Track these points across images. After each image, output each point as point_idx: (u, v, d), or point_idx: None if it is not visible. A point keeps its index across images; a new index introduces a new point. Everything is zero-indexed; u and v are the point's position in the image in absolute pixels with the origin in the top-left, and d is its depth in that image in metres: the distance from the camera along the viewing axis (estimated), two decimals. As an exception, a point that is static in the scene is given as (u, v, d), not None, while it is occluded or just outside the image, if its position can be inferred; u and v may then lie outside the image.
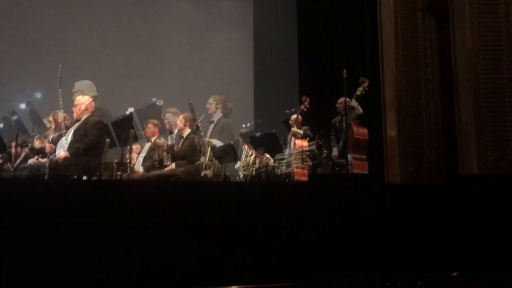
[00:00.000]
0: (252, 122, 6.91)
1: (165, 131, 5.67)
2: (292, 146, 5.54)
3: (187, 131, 5.48)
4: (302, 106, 5.65)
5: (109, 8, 8.86)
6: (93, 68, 8.52)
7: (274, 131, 5.86)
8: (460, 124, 4.79)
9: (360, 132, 4.88)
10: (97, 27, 8.76)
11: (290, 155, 5.84)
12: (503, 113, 4.53)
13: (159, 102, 5.17)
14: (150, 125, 5.70)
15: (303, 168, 5.27)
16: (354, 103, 5.13)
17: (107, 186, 3.26)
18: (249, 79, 8.98)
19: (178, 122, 5.50)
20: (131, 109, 5.37)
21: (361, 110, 5.13)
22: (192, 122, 5.52)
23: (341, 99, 5.24)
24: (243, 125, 6.42)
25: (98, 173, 4.74)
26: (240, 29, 9.58)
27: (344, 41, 6.77)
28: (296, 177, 5.26)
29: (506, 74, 4.56)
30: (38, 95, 5.61)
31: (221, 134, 5.11)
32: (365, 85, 5.16)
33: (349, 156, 4.84)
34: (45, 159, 4.73)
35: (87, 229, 2.54)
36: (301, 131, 5.44)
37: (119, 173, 4.98)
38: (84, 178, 4.58)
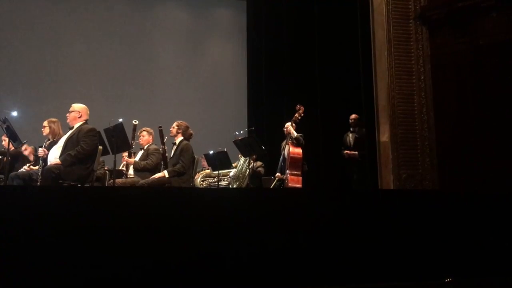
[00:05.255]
0: (246, 129, 6.89)
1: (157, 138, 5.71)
2: (286, 153, 5.54)
3: (180, 138, 5.49)
4: (296, 114, 5.67)
5: (99, 17, 8.86)
6: (86, 78, 8.51)
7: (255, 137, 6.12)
8: (379, 147, 5.50)
9: (295, 151, 5.49)
10: (88, 36, 8.74)
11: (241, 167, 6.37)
12: (414, 139, 5.39)
13: (135, 121, 5.35)
14: (144, 133, 5.73)
15: (297, 175, 5.28)
16: (290, 128, 5.69)
17: (100, 193, 3.24)
18: (243, 86, 8.99)
19: (171, 129, 5.52)
20: (135, 122, 5.43)
21: (295, 134, 5.64)
22: (185, 129, 5.54)
23: (287, 123, 5.77)
24: (236, 132, 6.41)
25: (90, 180, 4.70)
26: (234, 37, 9.61)
27: (337, 49, 6.80)
28: (290, 184, 5.26)
29: (417, 107, 5.44)
30: (15, 112, 5.59)
31: (181, 155, 5.32)
32: (300, 111, 5.77)
33: (287, 172, 5.49)
34: (37, 167, 4.69)
35: (81, 235, 2.52)
36: (295, 133, 5.51)
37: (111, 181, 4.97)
38: (77, 185, 4.54)
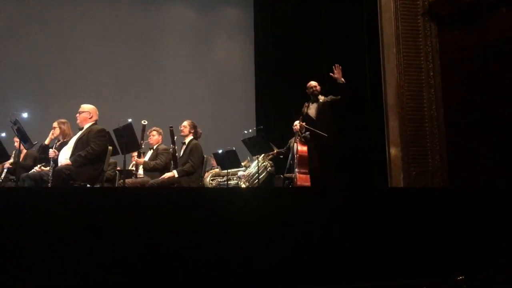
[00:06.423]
0: (254, 128, 6.89)
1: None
2: (295, 151, 5.52)
3: (189, 137, 5.52)
4: (305, 135, 5.63)
5: (106, 17, 8.89)
6: (95, 78, 8.56)
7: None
8: (389, 144, 5.41)
9: (304, 149, 5.29)
10: (97, 37, 8.78)
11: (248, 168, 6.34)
12: (424, 136, 5.34)
13: (144, 122, 5.39)
14: (154, 132, 5.76)
15: (305, 174, 5.26)
16: (299, 126, 5.35)
17: (110, 193, 3.25)
18: (250, 85, 8.99)
19: (183, 128, 5.55)
20: (144, 122, 5.46)
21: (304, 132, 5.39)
22: (195, 129, 5.59)
23: (296, 122, 5.48)
24: (245, 131, 6.41)
25: (100, 181, 4.73)
26: (241, 36, 9.61)
27: (344, 46, 6.77)
28: (298, 183, 5.25)
29: (426, 103, 5.38)
30: (25, 114, 5.65)
31: (191, 154, 5.37)
32: (307, 134, 5.36)
33: (296, 171, 5.28)
34: (48, 168, 4.73)
35: (92, 236, 2.54)
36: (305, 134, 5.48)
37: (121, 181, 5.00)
38: (87, 185, 4.57)
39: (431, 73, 5.46)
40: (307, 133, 5.34)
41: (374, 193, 3.48)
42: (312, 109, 5.38)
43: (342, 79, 5.11)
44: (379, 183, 5.74)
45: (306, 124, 5.24)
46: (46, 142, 5.37)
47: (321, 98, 5.36)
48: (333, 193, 3.34)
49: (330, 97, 5.33)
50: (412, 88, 5.42)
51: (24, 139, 4.90)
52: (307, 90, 5.45)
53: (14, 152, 5.70)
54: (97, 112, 4.91)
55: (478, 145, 5.22)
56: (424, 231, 3.02)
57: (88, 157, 4.55)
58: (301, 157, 5.36)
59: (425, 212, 3.11)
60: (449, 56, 5.49)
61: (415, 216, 3.09)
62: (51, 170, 4.55)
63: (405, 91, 5.40)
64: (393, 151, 5.41)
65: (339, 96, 5.20)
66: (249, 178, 6.30)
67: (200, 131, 5.69)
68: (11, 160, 5.58)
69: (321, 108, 5.30)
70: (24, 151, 5.87)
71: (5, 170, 5.66)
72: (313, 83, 5.45)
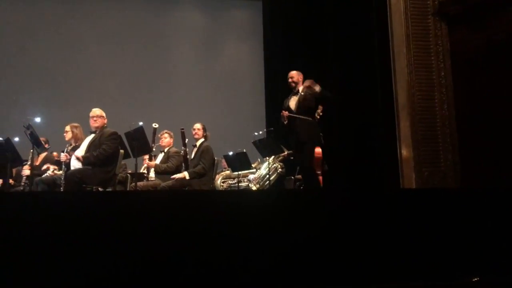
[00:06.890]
0: (265, 130, 6.89)
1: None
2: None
3: (201, 140, 5.54)
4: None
5: (116, 22, 8.96)
6: (105, 82, 8.62)
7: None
8: (400, 145, 5.43)
9: (318, 151, 5.23)
10: (107, 40, 8.85)
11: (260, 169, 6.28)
12: (435, 136, 5.32)
13: (155, 125, 5.42)
14: (166, 135, 5.79)
15: (319, 175, 5.25)
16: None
17: (122, 196, 3.28)
18: (260, 87, 8.98)
19: (197, 131, 5.59)
20: (155, 125, 5.50)
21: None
22: (206, 131, 5.63)
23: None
24: (255, 133, 6.40)
25: (113, 184, 4.77)
26: (250, 38, 9.61)
27: (354, 48, 6.75)
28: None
29: (437, 103, 5.37)
30: (38, 118, 5.71)
31: (202, 157, 5.41)
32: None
33: None
34: (61, 172, 4.77)
35: (104, 239, 2.56)
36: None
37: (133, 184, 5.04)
38: (100, 189, 4.61)
39: (442, 73, 5.42)
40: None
41: (386, 194, 3.47)
42: (292, 102, 5.13)
43: (316, 89, 4.90)
44: (391, 183, 5.70)
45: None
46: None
47: (302, 90, 5.08)
48: (345, 194, 3.33)
49: (309, 91, 5.04)
50: (423, 88, 5.39)
51: (37, 143, 4.97)
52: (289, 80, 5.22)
53: (30, 156, 5.76)
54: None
55: (491, 144, 5.17)
56: (438, 232, 3.00)
57: (100, 157, 4.60)
58: (315, 158, 5.33)
59: (437, 213, 3.08)
60: (460, 56, 5.45)
61: (428, 216, 3.06)
62: (63, 174, 4.60)
63: (416, 91, 5.37)
64: (405, 151, 5.38)
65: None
66: (259, 180, 6.30)
67: (208, 134, 5.72)
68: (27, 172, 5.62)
69: (301, 101, 5.02)
70: (41, 156, 5.94)
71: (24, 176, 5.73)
72: (291, 73, 5.20)
